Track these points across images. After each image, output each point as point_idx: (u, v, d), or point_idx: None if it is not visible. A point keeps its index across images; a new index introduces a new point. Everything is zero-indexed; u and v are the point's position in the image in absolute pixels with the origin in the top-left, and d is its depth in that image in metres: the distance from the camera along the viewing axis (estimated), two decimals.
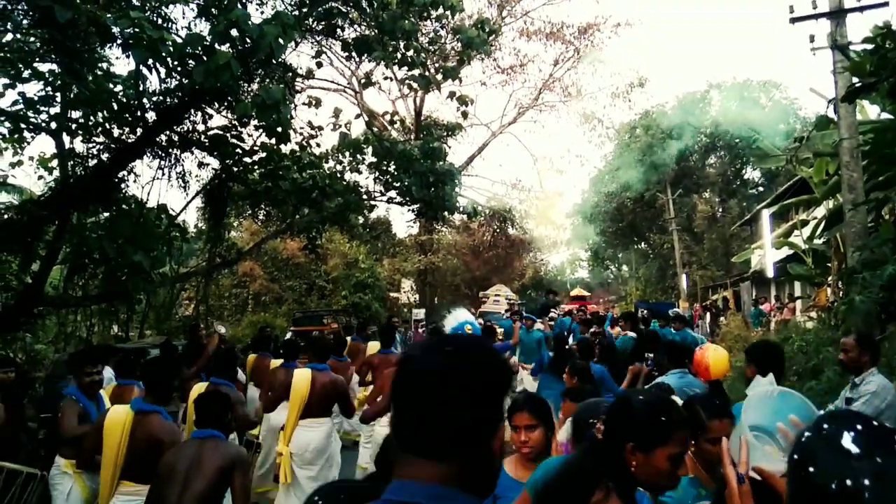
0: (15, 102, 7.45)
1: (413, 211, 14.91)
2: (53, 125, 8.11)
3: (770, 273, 20.82)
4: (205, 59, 7.15)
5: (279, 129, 8.55)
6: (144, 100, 8.67)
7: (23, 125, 7.83)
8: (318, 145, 13.08)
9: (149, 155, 10.38)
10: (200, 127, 10.54)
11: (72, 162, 9.35)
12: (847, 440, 1.09)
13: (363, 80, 15.47)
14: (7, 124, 7.64)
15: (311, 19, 10.47)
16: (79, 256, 9.07)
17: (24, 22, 7.55)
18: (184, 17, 13.03)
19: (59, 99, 7.71)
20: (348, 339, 9.90)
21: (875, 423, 1.13)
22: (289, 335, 13.77)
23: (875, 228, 9.54)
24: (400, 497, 1.04)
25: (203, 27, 8.51)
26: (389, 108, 25.09)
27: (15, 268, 9.46)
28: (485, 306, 21.52)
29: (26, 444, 5.87)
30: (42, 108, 7.66)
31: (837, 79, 9.78)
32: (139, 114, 8.83)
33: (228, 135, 10.55)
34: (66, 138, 8.89)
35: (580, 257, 54.32)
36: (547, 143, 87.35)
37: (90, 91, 7.50)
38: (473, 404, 1.07)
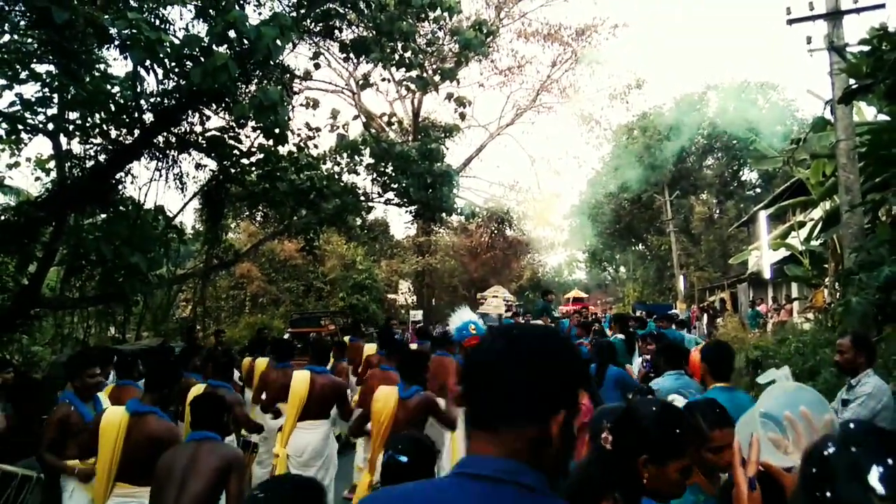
0: (12, 103, 7.43)
1: (411, 212, 14.93)
2: (50, 126, 8.09)
3: (767, 274, 20.82)
4: (202, 60, 7.15)
5: (277, 131, 8.55)
6: (142, 101, 8.66)
7: (20, 126, 7.80)
8: (316, 146, 13.09)
9: (146, 156, 10.38)
10: (198, 128, 10.54)
11: (69, 163, 9.34)
12: (874, 476, 1.01)
13: (361, 82, 15.46)
14: (4, 125, 7.61)
15: (308, 20, 10.48)
16: (76, 258, 9.06)
17: (22, 23, 7.54)
18: (181, 19, 13.08)
19: (56, 100, 7.69)
20: (346, 339, 9.90)
21: None
22: (286, 336, 13.76)
23: (872, 230, 9.55)
24: (470, 470, 1.13)
25: (201, 28, 8.52)
26: (387, 109, 25.14)
27: (12, 269, 9.44)
28: (482, 308, 21.55)
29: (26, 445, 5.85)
30: (39, 110, 7.64)
31: (834, 80, 9.79)
32: (136, 115, 8.83)
33: (226, 136, 10.55)
34: (63, 139, 8.88)
35: (578, 259, 54.42)
36: (545, 145, 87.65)
37: (87, 92, 7.49)
38: (530, 382, 1.14)
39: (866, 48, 7.47)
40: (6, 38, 7.71)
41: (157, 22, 8.32)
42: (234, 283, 23.95)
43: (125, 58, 7.84)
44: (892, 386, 4.62)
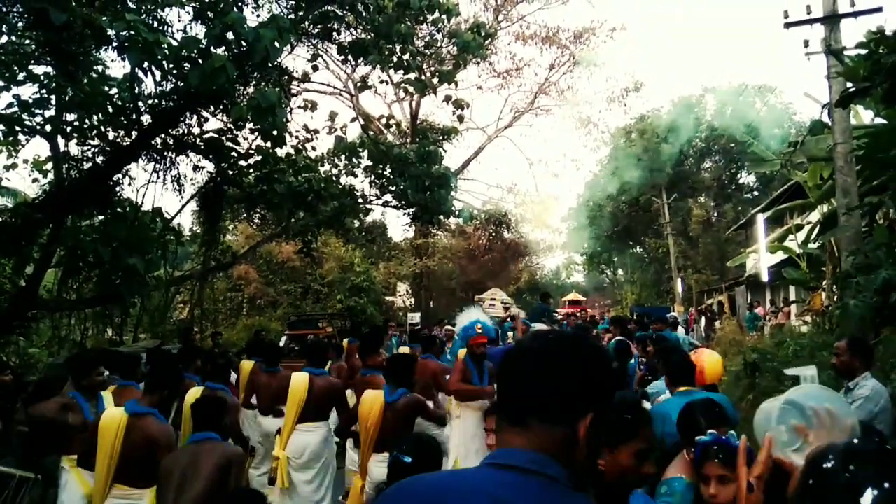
0: (9, 105, 7.41)
1: (408, 215, 14.93)
2: (48, 128, 8.08)
3: (765, 277, 20.86)
4: (200, 62, 7.15)
5: (275, 133, 8.54)
6: (140, 103, 8.65)
7: (17, 128, 7.79)
8: (314, 149, 13.10)
9: (144, 158, 10.37)
10: (196, 130, 10.54)
11: (66, 165, 9.33)
12: (867, 499, 1.00)
13: (359, 84, 15.48)
14: (1, 127, 7.60)
15: (307, 23, 10.48)
16: (73, 259, 9.03)
17: (19, 24, 7.54)
18: (179, 21, 13.09)
19: (53, 101, 7.68)
20: (345, 341, 9.88)
21: None
22: (283, 339, 13.73)
23: (869, 233, 9.56)
24: (502, 460, 1.18)
25: (199, 30, 8.51)
26: (385, 111, 25.16)
27: (9, 271, 9.41)
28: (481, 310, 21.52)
29: (17, 447, 5.84)
30: (37, 111, 7.63)
31: (832, 83, 9.82)
32: (134, 117, 8.82)
33: (224, 138, 10.55)
34: (60, 141, 8.87)
35: (576, 261, 54.44)
36: (543, 148, 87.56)
37: (85, 94, 7.48)
38: (559, 382, 1.20)
39: (863, 52, 7.50)
40: (4, 39, 7.72)
41: (156, 24, 8.31)
42: (231, 285, 23.90)
43: (123, 59, 7.85)
44: (890, 389, 4.63)
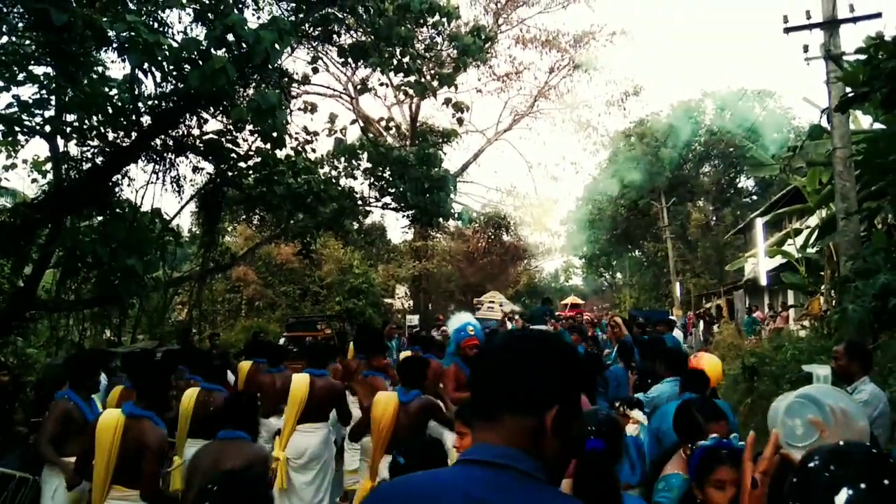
0: (9, 105, 7.41)
1: (408, 217, 14.93)
2: (48, 128, 8.08)
3: (763, 281, 20.87)
4: (200, 63, 7.15)
5: (274, 135, 8.55)
6: (139, 104, 8.65)
7: (17, 128, 7.79)
8: (314, 151, 13.11)
9: (143, 159, 10.36)
10: (195, 131, 10.53)
11: (66, 165, 9.32)
12: (841, 498, 1.03)
13: (359, 86, 15.52)
14: (1, 127, 7.60)
15: (307, 25, 10.48)
16: (72, 260, 9.02)
17: (20, 24, 7.53)
18: (180, 22, 13.10)
19: (53, 102, 7.68)
20: (352, 342, 9.92)
21: (886, 480, 1.05)
22: (282, 340, 13.73)
23: (868, 238, 9.58)
24: (474, 456, 1.22)
25: (199, 32, 8.51)
26: (385, 114, 25.16)
27: (7, 271, 9.40)
28: (479, 313, 21.52)
29: (15, 448, 5.84)
30: (36, 111, 7.62)
31: (831, 88, 9.83)
32: (134, 118, 8.81)
33: (223, 139, 10.55)
34: (60, 141, 8.86)
35: (574, 265, 54.43)
36: (542, 151, 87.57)
37: (85, 94, 7.49)
38: (526, 374, 1.24)
39: (862, 57, 7.51)
40: (4, 39, 7.71)
41: (156, 25, 8.32)
42: (230, 286, 23.89)
43: (123, 60, 7.84)
44: (889, 393, 4.63)
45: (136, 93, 8.30)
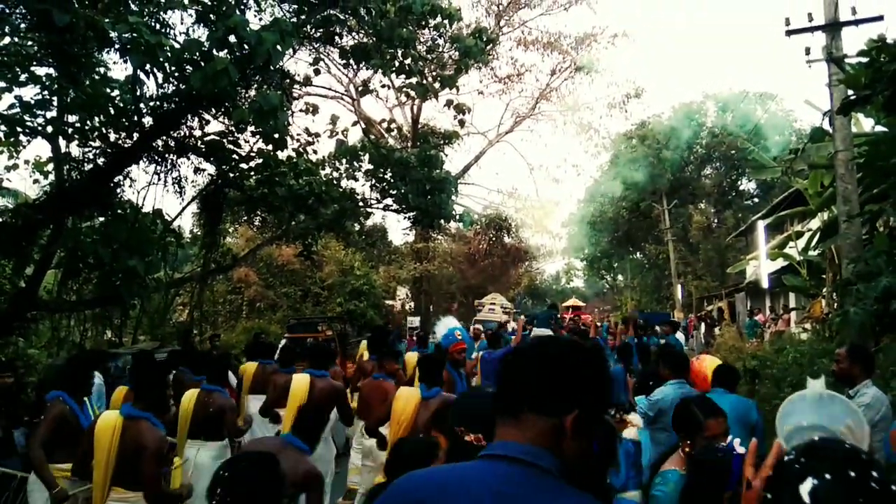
0: (11, 106, 7.42)
1: (409, 219, 14.92)
2: (50, 129, 8.09)
3: (765, 284, 20.85)
4: (202, 64, 7.16)
5: (276, 136, 8.56)
6: (141, 105, 8.66)
7: (19, 129, 7.80)
8: (315, 152, 13.11)
9: (145, 160, 10.37)
10: (197, 132, 10.55)
11: (68, 166, 9.33)
12: (805, 488, 1.06)
13: (361, 88, 15.52)
14: (3, 128, 7.61)
15: (309, 26, 10.50)
16: (73, 261, 9.04)
17: (22, 25, 7.54)
18: (182, 23, 13.10)
19: (55, 103, 7.69)
20: (363, 343, 9.95)
21: (853, 472, 1.06)
22: (283, 342, 13.72)
23: (869, 240, 9.56)
24: (498, 451, 1.28)
25: (201, 33, 8.52)
26: (386, 115, 25.14)
27: (9, 271, 9.41)
28: (480, 314, 21.55)
29: (19, 447, 5.84)
30: (38, 112, 7.64)
31: (833, 91, 9.82)
32: (136, 119, 8.83)
33: (225, 140, 10.56)
34: (62, 142, 8.88)
35: (575, 267, 54.40)
36: (543, 153, 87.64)
37: (87, 95, 7.49)
38: (550, 377, 1.30)
39: (865, 59, 7.50)
40: (6, 40, 7.71)
41: (158, 26, 8.32)
42: (231, 287, 23.88)
43: (125, 61, 7.86)
44: (891, 396, 4.61)
45: (138, 94, 8.31)
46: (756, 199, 38.11)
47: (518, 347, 1.45)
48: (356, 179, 14.01)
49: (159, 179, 11.07)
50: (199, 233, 17.78)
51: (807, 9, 10.44)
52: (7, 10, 7.27)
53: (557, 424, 1.26)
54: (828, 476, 1.06)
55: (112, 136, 9.30)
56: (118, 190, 10.12)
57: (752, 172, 26.32)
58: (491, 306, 22.58)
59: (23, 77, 7.36)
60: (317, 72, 14.15)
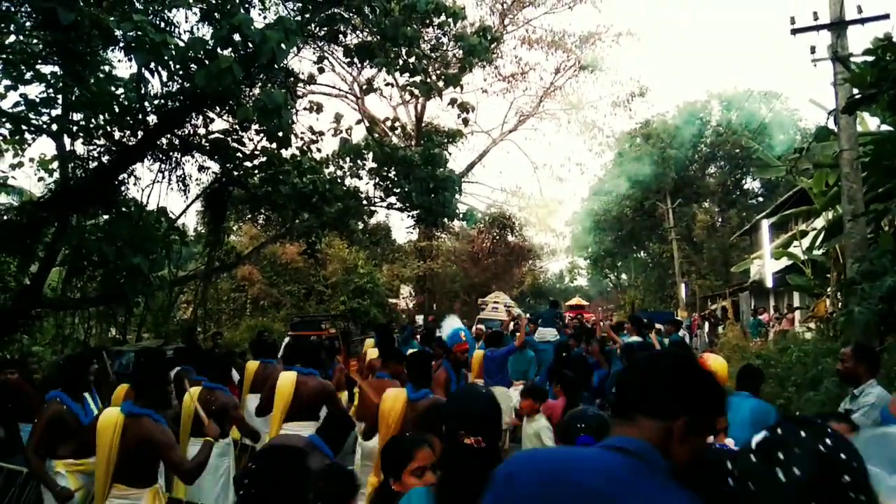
0: (16, 104, 7.45)
1: (413, 217, 14.92)
2: (54, 127, 8.11)
3: (769, 283, 20.83)
4: (207, 63, 7.17)
5: (280, 134, 8.57)
6: (146, 103, 8.68)
7: (24, 127, 7.83)
8: (319, 150, 13.13)
9: (149, 158, 10.40)
10: (201, 131, 10.58)
11: (72, 164, 9.35)
12: (755, 439, 1.33)
13: (364, 86, 15.55)
14: (8, 126, 7.64)
15: (313, 25, 10.50)
16: (78, 258, 9.06)
17: (27, 24, 7.56)
18: (186, 21, 13.11)
19: (60, 101, 7.71)
20: (369, 341, 9.92)
21: (822, 448, 1.25)
22: (286, 340, 13.74)
23: (874, 240, 9.53)
24: (615, 443, 1.40)
25: (206, 31, 8.53)
26: (390, 114, 25.18)
27: (13, 269, 9.44)
28: (484, 313, 21.52)
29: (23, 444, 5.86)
30: (43, 110, 7.65)
31: (838, 90, 9.79)
32: (140, 117, 8.85)
33: (229, 139, 10.58)
34: (66, 140, 8.89)
35: (579, 265, 54.29)
36: (547, 151, 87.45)
37: (92, 93, 7.51)
38: (662, 385, 1.44)
39: (870, 58, 7.48)
40: (12, 38, 7.74)
41: (163, 24, 8.34)
42: (235, 285, 23.93)
43: (130, 60, 7.89)
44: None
45: (143, 92, 8.34)
46: (760, 198, 38.00)
47: (635, 361, 1.64)
48: (360, 178, 14.01)
49: (164, 177, 11.12)
50: (203, 231, 17.81)
51: (812, 7, 10.44)
52: (13, 9, 7.30)
53: (668, 428, 1.38)
54: (796, 451, 1.25)
55: (117, 135, 9.32)
56: (122, 188, 10.16)
57: (756, 171, 26.29)
58: (494, 305, 22.48)
59: (28, 75, 7.39)
60: (321, 70, 14.19)
